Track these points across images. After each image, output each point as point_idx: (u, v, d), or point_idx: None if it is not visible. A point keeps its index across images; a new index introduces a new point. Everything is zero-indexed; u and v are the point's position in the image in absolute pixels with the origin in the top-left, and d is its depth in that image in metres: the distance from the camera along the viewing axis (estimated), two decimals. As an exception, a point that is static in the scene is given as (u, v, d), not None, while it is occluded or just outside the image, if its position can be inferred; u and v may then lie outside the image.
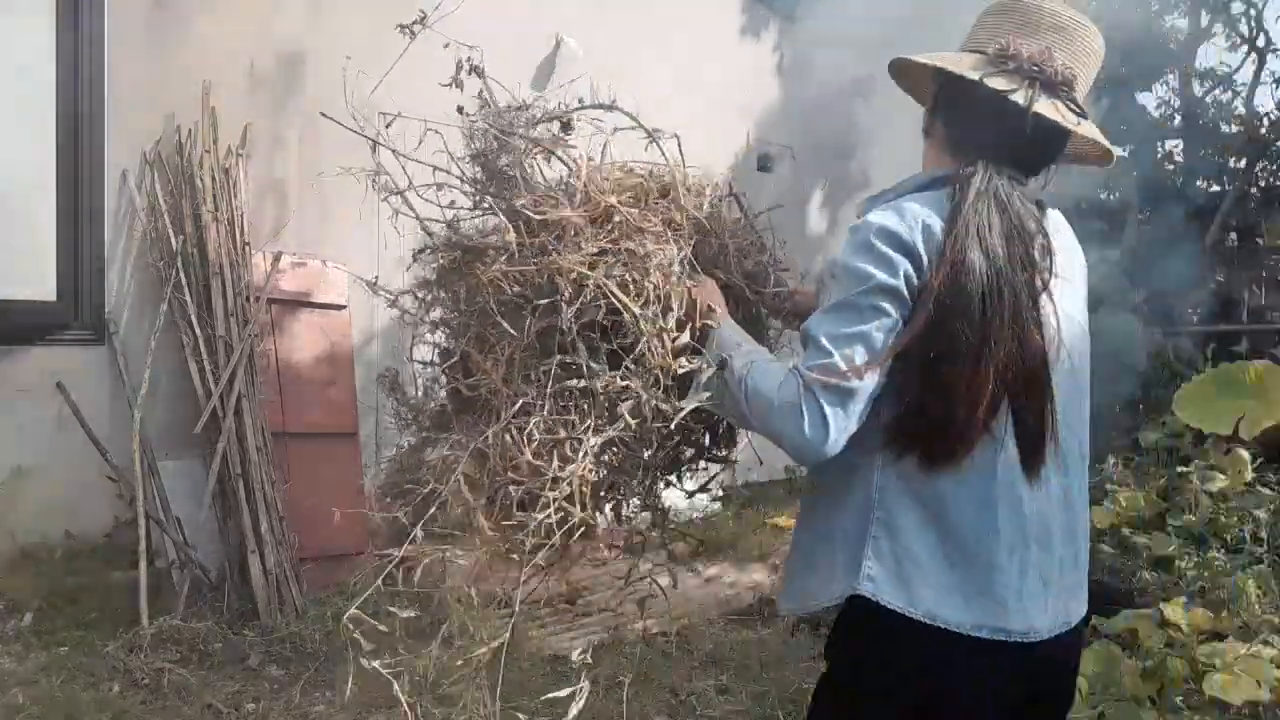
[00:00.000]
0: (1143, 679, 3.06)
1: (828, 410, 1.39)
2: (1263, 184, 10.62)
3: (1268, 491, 5.27)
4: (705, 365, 1.60)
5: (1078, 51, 1.49)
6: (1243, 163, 10.34)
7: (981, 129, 1.50)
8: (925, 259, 1.42)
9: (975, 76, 1.46)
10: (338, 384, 4.95)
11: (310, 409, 4.80)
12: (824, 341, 1.43)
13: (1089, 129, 1.49)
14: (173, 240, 4.49)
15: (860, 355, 1.40)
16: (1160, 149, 10.59)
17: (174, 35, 4.73)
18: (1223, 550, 4.80)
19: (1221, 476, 5.45)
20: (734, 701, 3.55)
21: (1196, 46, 10.45)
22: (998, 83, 1.45)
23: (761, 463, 2.52)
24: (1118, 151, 1.64)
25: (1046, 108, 1.45)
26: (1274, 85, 10.71)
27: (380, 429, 5.73)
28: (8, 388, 4.28)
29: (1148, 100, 10.62)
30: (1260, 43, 10.43)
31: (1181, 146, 10.64)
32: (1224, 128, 10.55)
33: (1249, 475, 5.43)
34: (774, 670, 3.78)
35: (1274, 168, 10.57)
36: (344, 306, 5.13)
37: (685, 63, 7.31)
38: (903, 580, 1.43)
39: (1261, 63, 10.48)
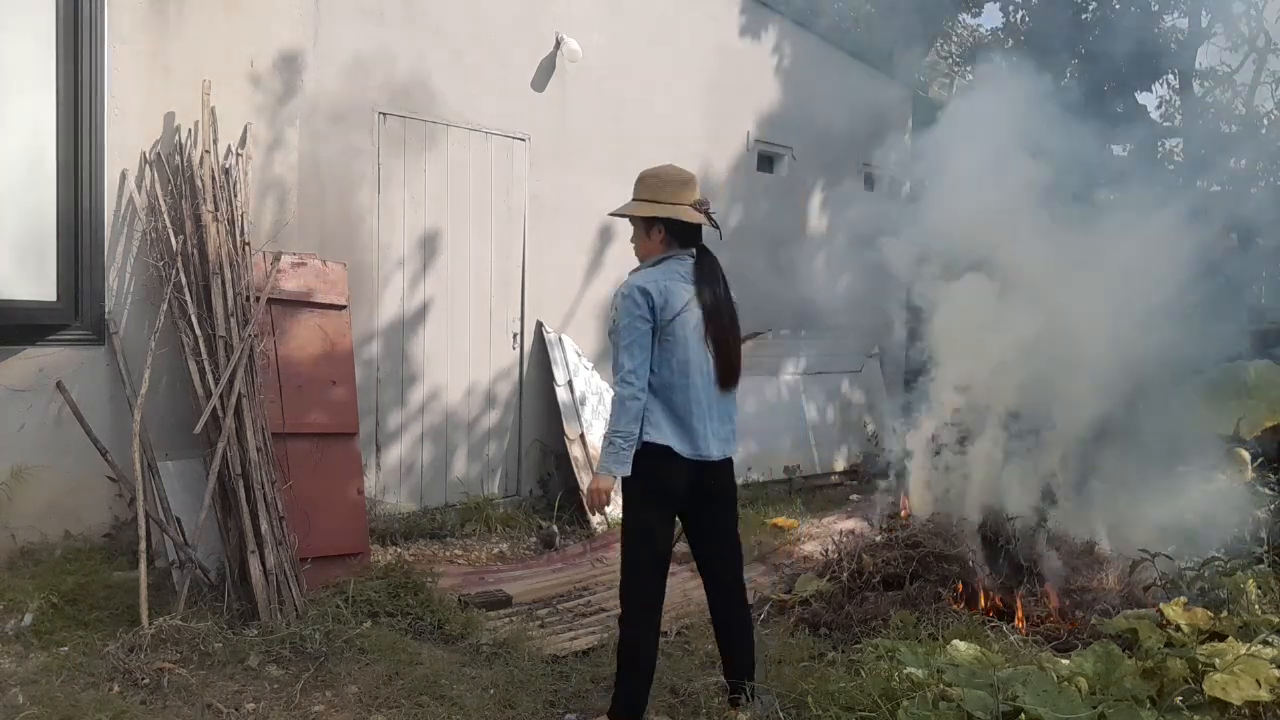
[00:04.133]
0: (1143, 679, 3.06)
1: None
2: (1263, 184, 10.62)
3: (1268, 491, 5.27)
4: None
5: (693, 187, 3.27)
6: (1243, 163, 10.34)
7: (690, 234, 3.28)
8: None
9: (690, 218, 3.22)
10: (338, 384, 4.95)
11: (310, 409, 4.80)
12: None
13: (702, 217, 3.23)
14: (173, 240, 4.49)
15: None
16: (1161, 148, 10.59)
17: (174, 35, 4.73)
18: (1223, 550, 4.79)
19: (1221, 476, 5.45)
20: (734, 701, 3.55)
21: (1196, 47, 10.45)
22: (697, 216, 3.23)
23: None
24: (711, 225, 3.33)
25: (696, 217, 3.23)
26: (1274, 85, 10.69)
27: (379, 429, 5.74)
28: (8, 388, 4.28)
29: (1148, 100, 10.62)
30: (1260, 43, 10.44)
31: (1181, 146, 10.64)
32: (1224, 128, 10.55)
33: (1249, 475, 5.43)
34: (774, 670, 3.78)
35: (1274, 167, 10.56)
36: (344, 306, 5.13)
37: (686, 62, 7.31)
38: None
39: (1261, 63, 10.49)
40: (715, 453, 3.21)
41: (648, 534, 3.20)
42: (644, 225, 3.25)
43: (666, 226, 3.21)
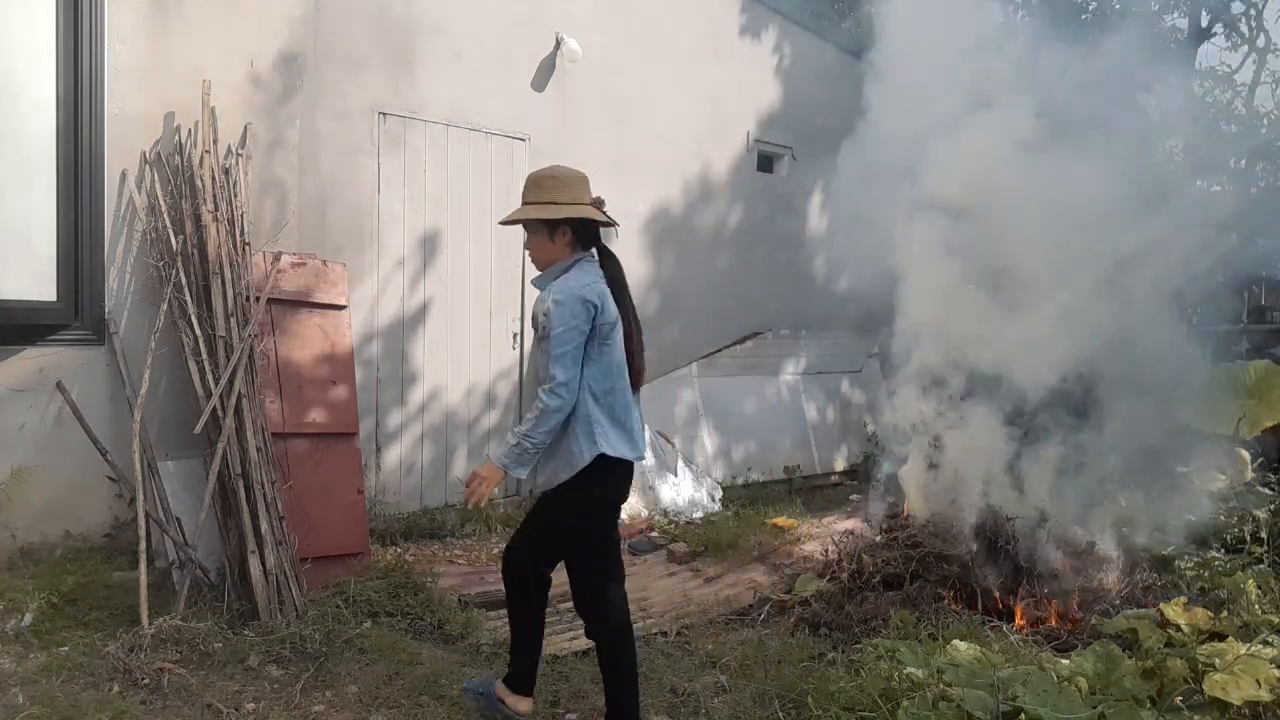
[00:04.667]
0: (1143, 679, 3.07)
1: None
2: (1263, 184, 10.62)
3: (1268, 491, 5.27)
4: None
5: (588, 186, 3.17)
6: (1243, 163, 10.35)
7: (591, 233, 3.18)
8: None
9: (598, 217, 3.14)
10: (338, 384, 4.95)
11: (310, 409, 4.80)
12: None
13: (604, 215, 3.15)
14: (173, 240, 4.49)
15: None
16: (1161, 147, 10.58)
17: (174, 35, 4.73)
18: (1223, 550, 4.80)
19: (1221, 476, 5.45)
20: (734, 701, 3.55)
21: (1196, 47, 10.45)
22: (602, 215, 3.14)
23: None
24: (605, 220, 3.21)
25: (596, 214, 3.13)
26: (1274, 85, 10.69)
27: (379, 429, 5.74)
28: (8, 388, 4.28)
29: (1148, 100, 10.61)
30: (1260, 43, 10.45)
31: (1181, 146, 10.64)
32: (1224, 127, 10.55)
33: (1249, 475, 5.43)
34: (774, 670, 3.78)
35: (1274, 167, 10.56)
36: (344, 306, 5.13)
37: (686, 62, 7.31)
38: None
39: (1261, 63, 10.50)
40: (645, 448, 3.27)
41: (606, 542, 3.24)
42: (547, 230, 3.11)
43: (573, 228, 3.10)
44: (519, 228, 3.26)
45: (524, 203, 3.15)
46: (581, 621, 3.24)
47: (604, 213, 3.17)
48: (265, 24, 5.07)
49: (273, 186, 5.14)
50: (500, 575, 3.40)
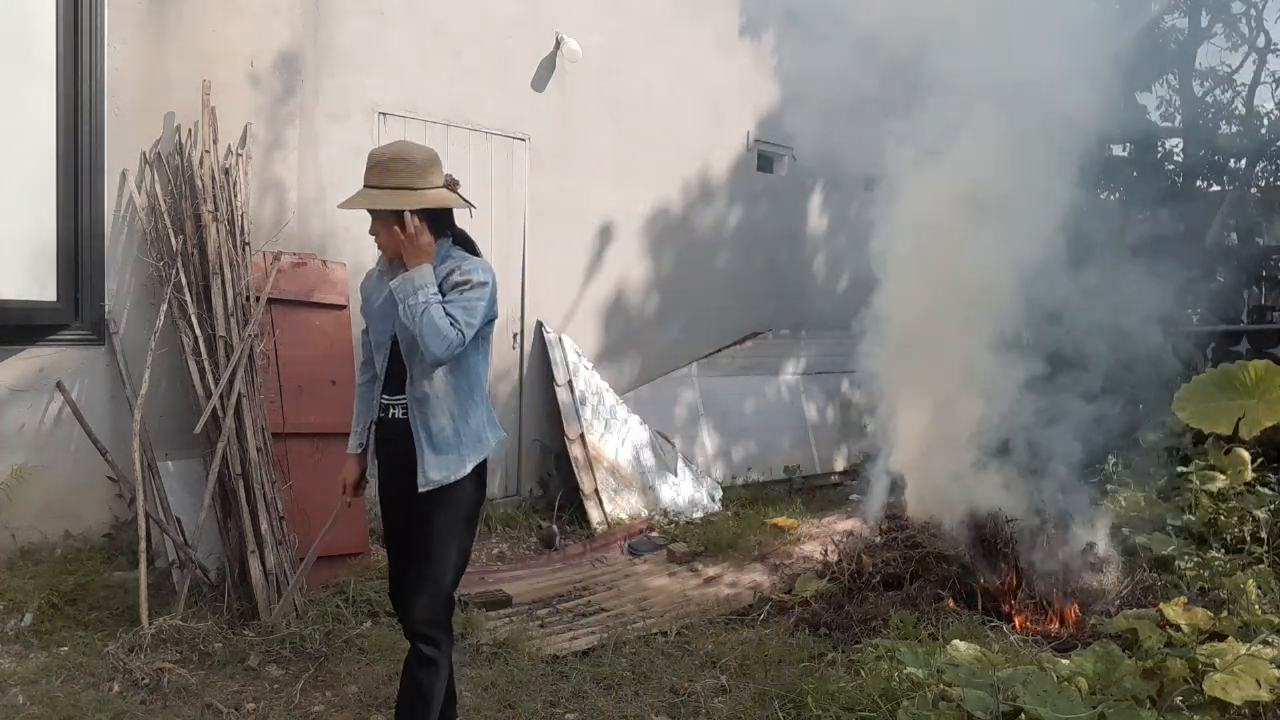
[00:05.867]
0: (1143, 679, 3.07)
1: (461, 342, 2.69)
2: (1263, 184, 10.61)
3: (1268, 491, 5.27)
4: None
5: (441, 165, 2.85)
6: (1243, 163, 10.33)
7: (447, 219, 2.88)
8: None
9: (458, 204, 2.86)
10: (338, 384, 4.95)
11: (310, 409, 4.80)
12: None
13: (456, 199, 2.84)
14: (173, 240, 4.49)
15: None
16: (1160, 149, 10.57)
17: (174, 35, 4.73)
18: (1223, 550, 4.80)
19: (1221, 476, 5.45)
20: (734, 701, 3.55)
21: (1196, 47, 10.43)
22: (460, 201, 2.86)
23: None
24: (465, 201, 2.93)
25: (458, 200, 2.86)
26: (1274, 85, 10.67)
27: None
28: (8, 388, 4.28)
29: (1148, 100, 10.61)
30: (1260, 43, 10.43)
31: (1181, 146, 10.63)
32: (1224, 127, 10.53)
33: (1249, 475, 5.43)
34: (774, 670, 3.78)
35: (1274, 167, 10.55)
36: (344, 306, 5.13)
37: (686, 62, 7.31)
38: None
39: (1261, 63, 10.48)
40: None
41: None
42: (397, 218, 2.74)
43: (429, 216, 2.77)
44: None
45: (367, 185, 2.81)
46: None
47: (460, 195, 2.88)
48: (265, 24, 5.06)
49: (272, 186, 5.14)
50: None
